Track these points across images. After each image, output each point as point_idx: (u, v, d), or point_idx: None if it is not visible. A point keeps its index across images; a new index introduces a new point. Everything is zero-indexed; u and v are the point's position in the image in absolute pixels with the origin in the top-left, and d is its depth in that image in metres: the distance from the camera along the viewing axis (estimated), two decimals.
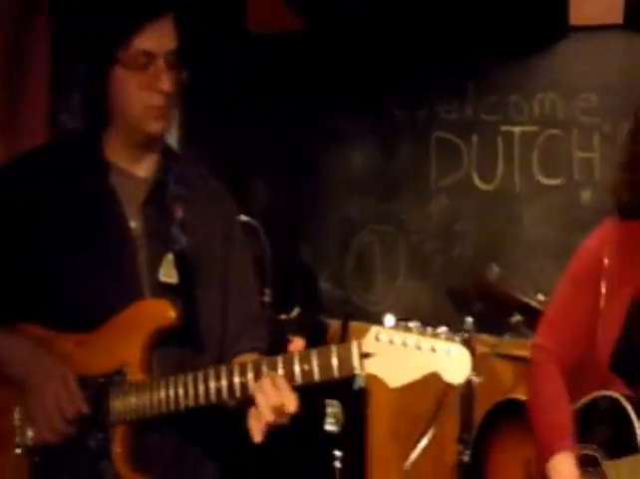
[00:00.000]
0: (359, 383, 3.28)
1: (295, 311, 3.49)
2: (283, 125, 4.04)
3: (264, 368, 1.49)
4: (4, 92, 2.54)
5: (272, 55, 4.01)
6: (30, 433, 1.62)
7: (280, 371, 1.47)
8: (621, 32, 3.49)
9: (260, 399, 1.47)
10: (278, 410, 1.46)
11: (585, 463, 1.81)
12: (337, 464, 3.23)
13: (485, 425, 2.17)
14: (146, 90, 1.62)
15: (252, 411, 1.51)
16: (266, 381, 1.46)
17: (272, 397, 1.46)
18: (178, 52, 1.65)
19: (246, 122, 4.04)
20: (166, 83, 1.62)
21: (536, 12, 3.53)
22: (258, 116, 4.05)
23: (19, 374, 1.61)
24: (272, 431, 1.50)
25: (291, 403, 1.45)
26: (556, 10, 3.49)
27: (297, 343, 1.49)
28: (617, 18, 3.47)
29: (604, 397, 1.78)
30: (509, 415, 2.12)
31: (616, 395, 1.75)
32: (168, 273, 1.65)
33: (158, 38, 1.62)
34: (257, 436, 1.49)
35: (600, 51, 3.55)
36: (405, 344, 1.40)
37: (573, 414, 1.85)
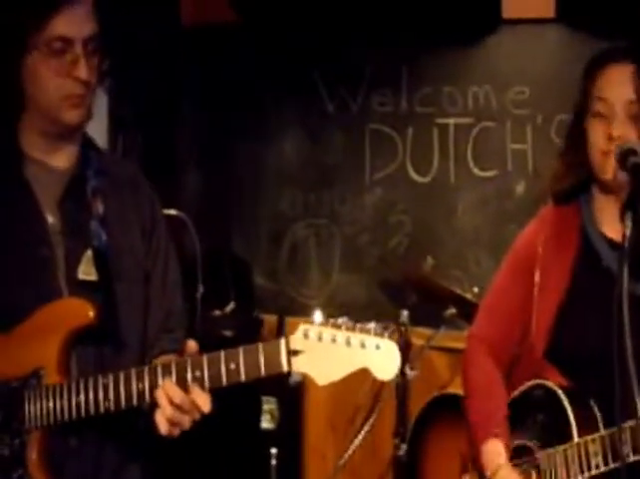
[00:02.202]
0: (295, 378, 3.26)
1: (229, 307, 3.47)
2: (215, 117, 4.00)
3: (188, 369, 1.46)
4: None
5: (204, 46, 3.96)
6: None
7: (206, 372, 1.45)
8: (553, 25, 3.54)
9: (159, 396, 1.46)
10: (182, 408, 1.46)
11: (520, 454, 1.83)
12: (273, 462, 3.22)
13: (421, 420, 2.19)
14: (62, 77, 1.57)
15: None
16: (167, 380, 1.46)
17: (174, 396, 1.45)
18: (98, 39, 1.60)
19: (178, 113, 4.00)
20: (84, 70, 1.57)
21: (469, 4, 3.55)
22: (190, 107, 4.01)
23: None
24: (193, 426, 1.50)
25: (202, 402, 1.45)
26: (489, 2, 3.52)
27: (190, 345, 1.50)
28: (549, 12, 3.52)
29: (539, 386, 1.80)
30: (445, 410, 2.14)
31: (550, 385, 1.77)
32: (88, 271, 1.61)
33: (75, 23, 1.57)
34: (162, 428, 1.48)
35: (533, 44, 3.60)
36: (334, 341, 1.39)
37: (509, 404, 1.87)
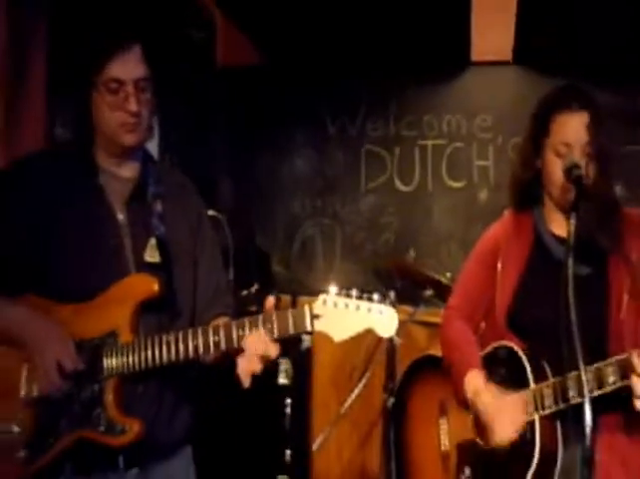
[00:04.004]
0: (306, 345, 3.27)
1: (254, 288, 3.44)
2: (243, 138, 3.99)
3: (234, 328, 1.48)
4: (7, 108, 2.43)
5: (235, 82, 3.95)
6: (35, 387, 1.56)
7: (247, 331, 1.47)
8: (511, 67, 3.58)
9: (250, 350, 1.48)
10: (263, 358, 1.47)
11: None
12: (288, 410, 3.22)
13: (407, 376, 2.18)
14: (117, 110, 1.58)
15: (241, 361, 1.51)
16: (252, 336, 1.47)
17: (259, 348, 1.47)
18: (148, 78, 1.60)
19: (214, 135, 3.99)
20: (134, 105, 1.57)
21: (444, 50, 3.56)
22: (224, 131, 4.00)
23: (26, 336, 1.55)
24: (255, 377, 1.51)
25: (273, 350, 1.47)
26: (460, 49, 3.54)
27: (270, 300, 1.50)
28: (507, 56, 3.55)
29: (502, 347, 1.81)
30: (425, 368, 2.14)
31: (511, 345, 1.78)
32: (152, 254, 1.62)
33: (126, 67, 1.57)
34: (246, 382, 1.50)
35: (494, 81, 3.62)
36: (347, 307, 1.41)
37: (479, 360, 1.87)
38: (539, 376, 1.71)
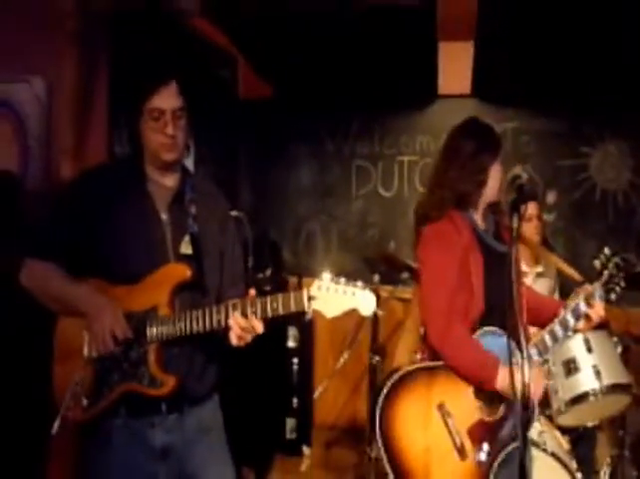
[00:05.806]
0: (308, 316, 3.27)
1: (268, 272, 3.45)
2: (260, 153, 3.98)
3: (248, 307, 1.48)
4: (76, 130, 2.43)
5: (254, 110, 3.93)
6: (94, 349, 1.56)
7: (259, 308, 1.47)
8: (470, 99, 3.57)
9: (232, 322, 1.49)
10: (245, 329, 1.48)
11: None
12: (295, 367, 3.23)
13: (386, 400, 1.73)
14: (158, 133, 1.57)
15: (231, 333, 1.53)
16: (236, 313, 1.49)
17: (240, 322, 1.48)
18: (184, 108, 1.59)
19: (237, 152, 3.97)
20: (171, 129, 1.56)
21: (417, 86, 3.56)
22: (244, 148, 3.98)
23: (87, 309, 1.55)
24: (250, 343, 1.51)
25: (257, 326, 1.47)
26: (429, 85, 3.54)
27: (251, 292, 1.51)
28: (467, 90, 3.54)
29: (488, 331, 1.74)
30: (402, 387, 1.71)
31: (494, 329, 1.71)
32: (187, 248, 1.61)
33: (165, 99, 1.55)
34: (233, 341, 1.51)
35: (457, 110, 3.58)
36: (336, 291, 1.41)
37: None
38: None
